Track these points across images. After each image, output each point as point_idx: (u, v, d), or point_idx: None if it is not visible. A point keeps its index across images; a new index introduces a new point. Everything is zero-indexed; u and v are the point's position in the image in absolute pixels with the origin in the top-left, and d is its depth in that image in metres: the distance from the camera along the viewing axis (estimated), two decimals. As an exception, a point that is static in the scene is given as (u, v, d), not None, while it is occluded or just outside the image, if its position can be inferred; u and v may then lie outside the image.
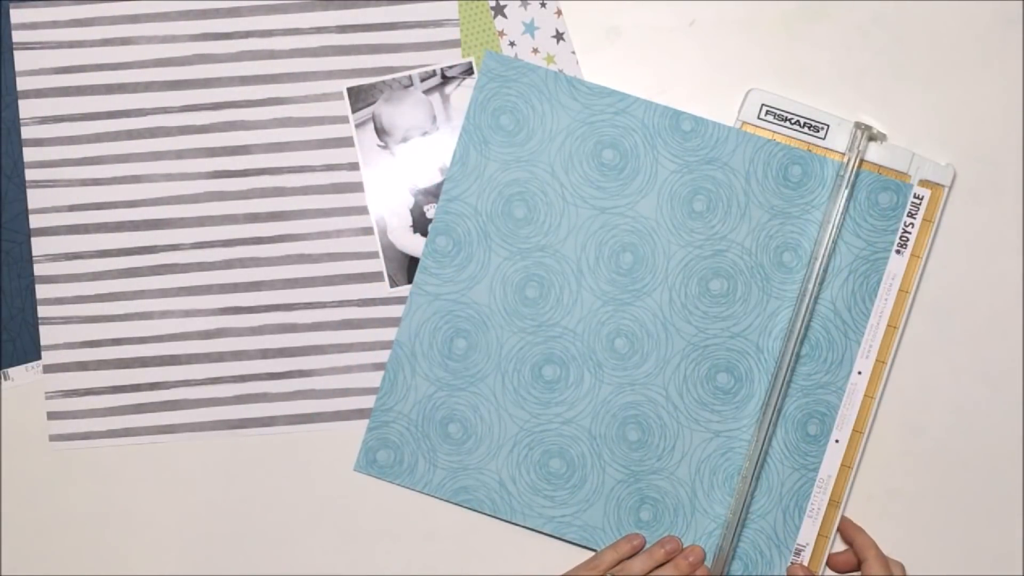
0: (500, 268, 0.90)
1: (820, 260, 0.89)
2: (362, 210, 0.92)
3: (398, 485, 0.91)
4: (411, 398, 0.90)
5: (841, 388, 0.91)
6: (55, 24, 0.91)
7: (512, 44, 0.93)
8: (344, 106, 0.92)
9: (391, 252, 0.92)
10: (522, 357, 0.90)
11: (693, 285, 0.90)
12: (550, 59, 0.93)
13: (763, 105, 0.92)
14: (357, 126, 0.92)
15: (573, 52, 0.93)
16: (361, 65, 0.92)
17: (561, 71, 0.92)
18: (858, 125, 0.90)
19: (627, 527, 0.90)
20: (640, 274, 0.90)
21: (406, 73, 0.92)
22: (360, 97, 0.92)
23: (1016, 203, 0.94)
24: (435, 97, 0.92)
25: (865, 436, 0.91)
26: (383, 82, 0.92)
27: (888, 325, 0.91)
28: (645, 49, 0.93)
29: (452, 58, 0.92)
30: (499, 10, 0.93)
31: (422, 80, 0.92)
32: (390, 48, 0.92)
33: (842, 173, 0.90)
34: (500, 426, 0.90)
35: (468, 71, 0.92)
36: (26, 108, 0.91)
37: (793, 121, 0.92)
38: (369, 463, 0.91)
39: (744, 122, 0.91)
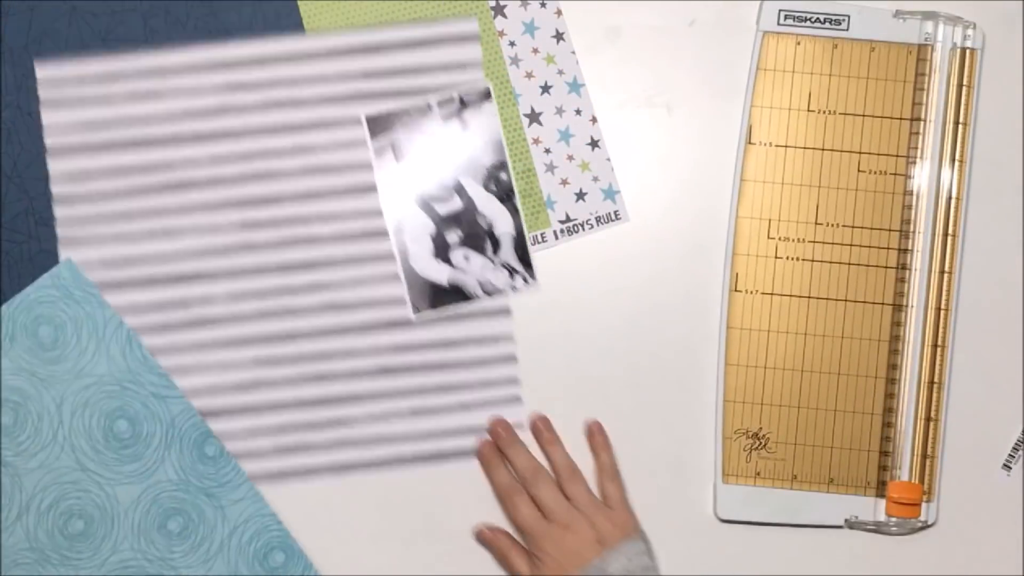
0: None
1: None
2: (393, 256, 0.92)
3: None
4: None
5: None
6: (81, 80, 0.91)
7: (512, 44, 0.93)
8: (366, 143, 0.91)
9: (412, 278, 0.91)
10: None
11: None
12: (550, 59, 0.93)
13: (781, 11, 0.91)
14: (376, 153, 0.91)
15: (573, 52, 0.93)
16: (385, 107, 0.92)
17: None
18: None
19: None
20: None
21: (424, 99, 0.91)
22: (379, 124, 0.91)
23: (1016, 203, 0.93)
24: (454, 123, 0.92)
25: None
26: (401, 111, 0.91)
27: (939, 308, 0.91)
28: (645, 49, 0.93)
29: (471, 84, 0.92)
30: (499, 10, 0.93)
31: (440, 106, 0.92)
32: (416, 91, 0.92)
33: (922, 72, 0.90)
34: None
35: (487, 95, 0.92)
36: (55, 165, 0.91)
37: (813, 20, 0.91)
38: None
39: (766, 32, 0.91)
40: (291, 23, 0.92)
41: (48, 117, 0.91)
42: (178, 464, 0.88)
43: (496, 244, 0.92)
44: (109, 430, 0.88)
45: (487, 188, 0.92)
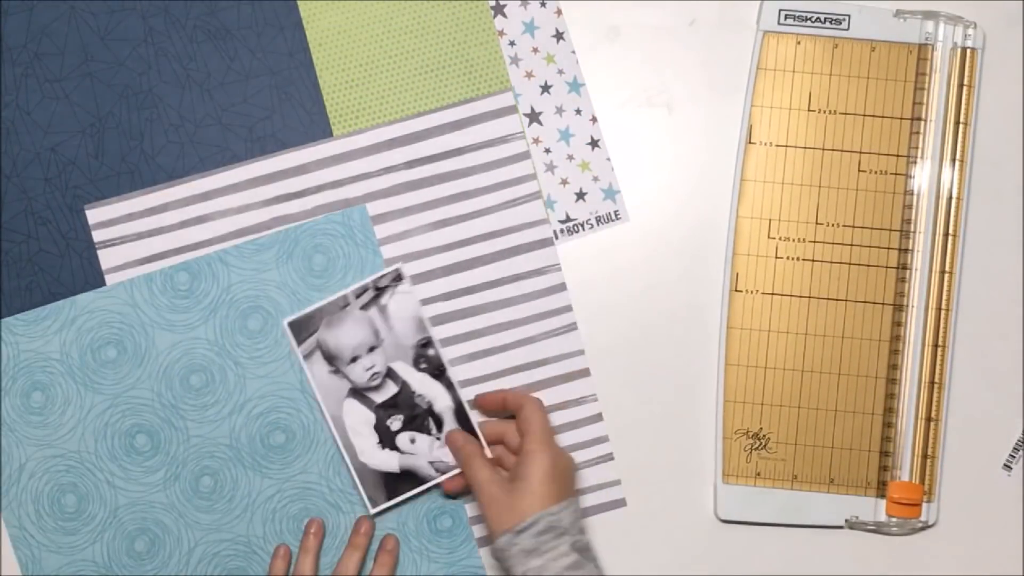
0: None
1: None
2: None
3: None
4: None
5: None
6: (130, 217, 0.91)
7: (512, 44, 0.93)
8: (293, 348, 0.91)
9: (366, 473, 0.90)
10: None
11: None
12: (550, 59, 0.93)
13: (781, 10, 0.92)
14: (305, 357, 0.90)
15: (573, 52, 0.93)
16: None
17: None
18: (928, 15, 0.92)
19: None
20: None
21: (340, 294, 0.90)
22: (302, 328, 0.90)
23: (1016, 203, 0.93)
24: (373, 311, 0.90)
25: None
26: (319, 309, 0.90)
27: (940, 308, 0.92)
28: (645, 49, 0.93)
29: (522, 171, 0.93)
30: (499, 10, 0.93)
31: (356, 297, 0.90)
32: (460, 172, 0.92)
33: (923, 72, 0.91)
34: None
35: (397, 278, 0.90)
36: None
37: (813, 20, 0.92)
38: None
39: (766, 31, 0.92)
40: (291, 22, 0.92)
41: (105, 258, 0.91)
42: None
43: (439, 421, 0.90)
44: None
45: (418, 367, 0.90)
